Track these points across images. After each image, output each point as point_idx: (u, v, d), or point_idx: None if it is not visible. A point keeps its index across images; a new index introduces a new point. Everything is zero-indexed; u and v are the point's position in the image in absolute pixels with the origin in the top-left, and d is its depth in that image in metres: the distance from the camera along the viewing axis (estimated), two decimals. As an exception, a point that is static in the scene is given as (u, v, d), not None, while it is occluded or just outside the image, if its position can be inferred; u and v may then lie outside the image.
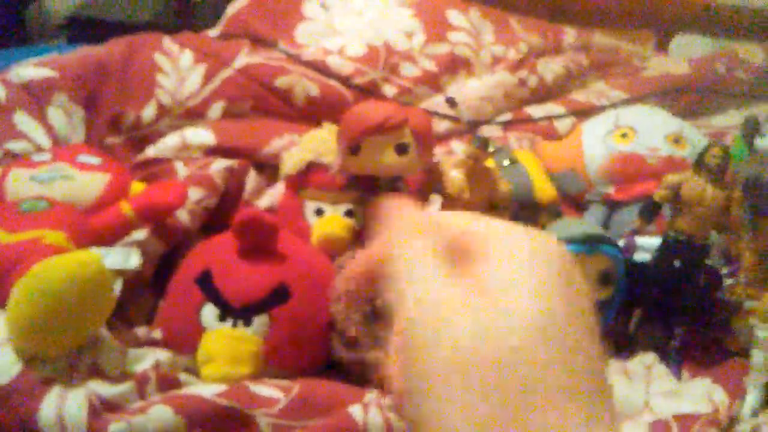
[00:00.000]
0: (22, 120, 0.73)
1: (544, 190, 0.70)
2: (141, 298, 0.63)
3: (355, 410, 0.51)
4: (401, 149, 0.61)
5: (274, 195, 0.76)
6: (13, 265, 0.51)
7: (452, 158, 0.66)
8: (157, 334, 0.59)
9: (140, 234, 0.62)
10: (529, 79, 1.03)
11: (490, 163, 0.68)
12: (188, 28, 0.93)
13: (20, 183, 0.61)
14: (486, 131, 0.94)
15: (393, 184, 0.65)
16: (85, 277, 0.44)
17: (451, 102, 0.90)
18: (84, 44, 0.85)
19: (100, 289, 0.46)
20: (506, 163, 0.72)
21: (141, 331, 0.59)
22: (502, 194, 0.65)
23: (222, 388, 0.50)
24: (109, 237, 0.60)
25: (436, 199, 0.73)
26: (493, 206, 0.65)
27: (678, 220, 0.61)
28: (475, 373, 0.23)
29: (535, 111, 1.00)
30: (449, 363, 0.23)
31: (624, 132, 0.85)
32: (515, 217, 0.67)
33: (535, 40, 1.10)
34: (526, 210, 0.69)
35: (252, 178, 0.77)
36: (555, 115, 0.98)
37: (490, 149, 0.69)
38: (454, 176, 0.64)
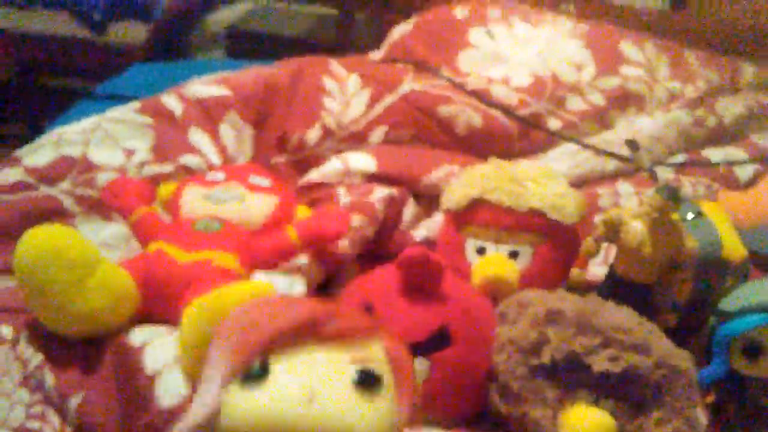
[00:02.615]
0: (197, 136, 0.75)
1: (735, 248, 0.63)
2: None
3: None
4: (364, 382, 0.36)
5: (431, 226, 0.74)
6: (186, 284, 0.51)
7: (634, 208, 0.61)
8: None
9: (302, 259, 0.61)
10: (707, 119, 0.95)
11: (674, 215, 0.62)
12: (347, 46, 0.93)
13: (195, 200, 0.62)
14: (658, 174, 0.87)
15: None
16: None
17: (633, 145, 0.84)
18: (242, 57, 0.87)
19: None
20: (691, 216, 0.65)
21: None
22: (686, 251, 0.59)
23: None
24: (272, 261, 0.60)
25: (607, 249, 0.68)
26: (674, 264, 0.59)
27: None
28: None
29: (713, 154, 0.92)
30: None
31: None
32: (699, 277, 0.60)
33: (714, 77, 1.02)
34: (712, 270, 0.62)
35: (410, 207, 0.75)
36: (737, 160, 0.89)
37: (684, 202, 0.63)
38: (636, 228, 0.58)
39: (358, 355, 0.36)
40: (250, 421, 0.33)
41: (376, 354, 0.38)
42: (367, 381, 0.35)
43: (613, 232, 0.60)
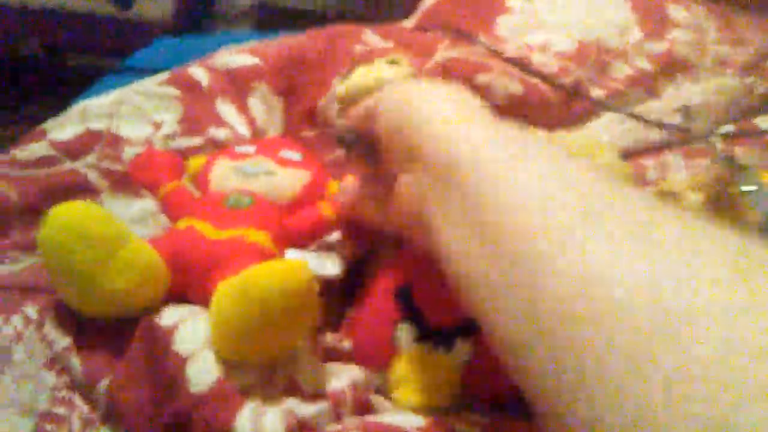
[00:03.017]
0: (225, 108, 0.72)
1: (798, 222, 0.59)
2: (330, 301, 0.60)
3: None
4: None
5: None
6: (217, 263, 0.49)
7: (691, 178, 0.57)
8: (347, 343, 0.55)
9: (335, 236, 0.59)
10: (758, 86, 0.90)
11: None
12: (378, 19, 0.89)
13: (224, 174, 0.59)
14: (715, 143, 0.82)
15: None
16: (294, 289, 0.41)
17: (687, 113, 0.79)
18: (269, 31, 0.84)
19: (309, 300, 0.42)
20: (751, 187, 0.61)
21: (329, 337, 0.56)
22: (748, 224, 0.55)
23: (422, 421, 0.45)
24: (305, 237, 0.57)
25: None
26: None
27: None
28: None
29: (765, 122, 0.86)
30: None
31: None
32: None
33: (765, 42, 0.96)
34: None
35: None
36: (793, 129, 0.84)
37: (742, 172, 0.59)
38: (694, 201, 0.55)
39: None
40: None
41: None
42: None
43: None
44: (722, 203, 0.54)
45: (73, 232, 0.44)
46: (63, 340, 0.46)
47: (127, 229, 0.48)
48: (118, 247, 0.46)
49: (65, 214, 0.45)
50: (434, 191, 0.40)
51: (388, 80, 0.64)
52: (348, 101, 0.65)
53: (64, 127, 0.68)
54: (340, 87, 0.65)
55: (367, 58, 0.70)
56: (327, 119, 0.69)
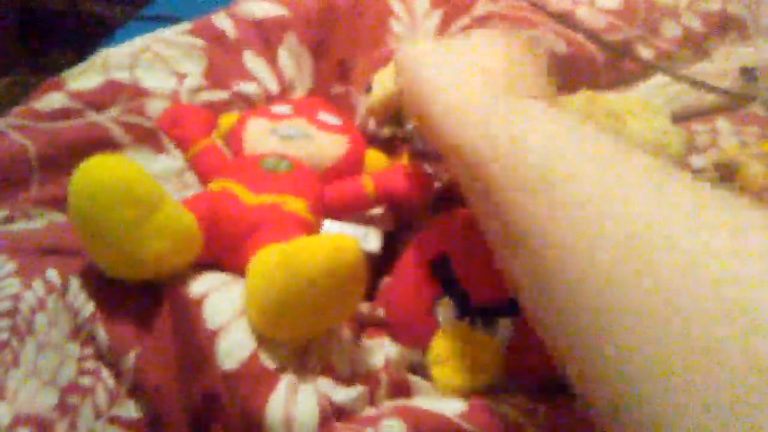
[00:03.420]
0: (252, 61, 0.68)
1: None
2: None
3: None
4: None
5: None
6: (253, 228, 0.46)
7: (753, 146, 0.53)
8: (381, 312, 0.53)
9: (377, 210, 0.56)
10: (816, 49, 0.84)
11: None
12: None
13: (260, 135, 0.56)
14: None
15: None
16: (343, 267, 0.38)
17: (749, 74, 0.74)
18: None
19: (356, 278, 0.39)
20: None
21: (364, 307, 0.53)
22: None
23: (464, 407, 0.42)
24: (344, 210, 0.54)
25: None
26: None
27: None
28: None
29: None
30: None
31: None
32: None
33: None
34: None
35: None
36: None
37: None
38: (758, 170, 0.51)
39: None
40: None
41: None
42: None
43: (728, 174, 0.53)
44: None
45: (111, 189, 0.40)
46: (87, 307, 0.43)
47: (163, 190, 0.44)
48: (156, 209, 0.42)
49: (102, 168, 0.41)
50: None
51: None
52: (381, 113, 0.63)
53: (85, 77, 0.64)
54: (369, 102, 0.63)
55: (380, 62, 0.66)
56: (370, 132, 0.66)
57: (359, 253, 0.39)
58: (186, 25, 0.71)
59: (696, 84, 0.74)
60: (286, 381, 0.40)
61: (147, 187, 0.42)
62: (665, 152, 0.55)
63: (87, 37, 1.21)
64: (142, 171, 0.43)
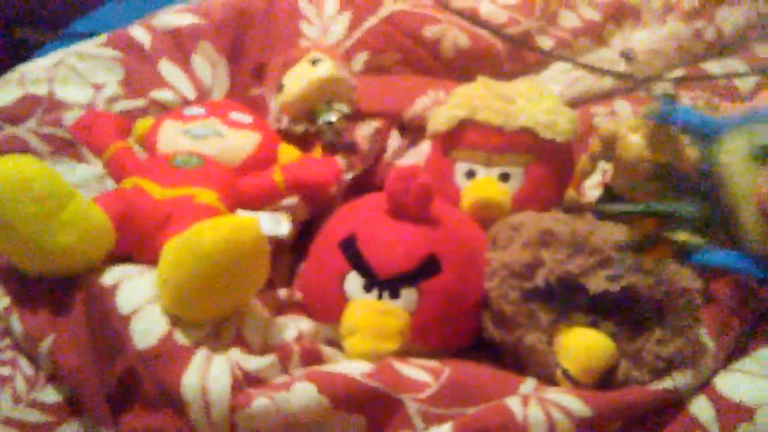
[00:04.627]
0: (168, 69, 0.71)
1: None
2: (281, 258, 0.60)
3: (514, 403, 0.45)
4: None
5: (418, 155, 0.71)
6: (164, 221, 0.48)
7: (629, 121, 0.57)
8: (298, 296, 0.56)
9: (290, 200, 0.59)
10: (706, 31, 0.90)
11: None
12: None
13: (173, 136, 0.59)
14: (657, 89, 0.83)
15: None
16: (243, 244, 0.41)
17: (628, 56, 0.79)
18: None
19: (257, 256, 0.42)
20: (690, 126, 0.62)
21: (282, 292, 0.56)
22: (687, 161, 0.56)
23: (369, 367, 0.45)
24: (256, 202, 0.57)
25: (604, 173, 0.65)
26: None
27: None
28: None
29: (713, 67, 0.88)
30: None
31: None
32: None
33: (712, -14, 0.96)
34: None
35: (395, 139, 0.72)
36: (738, 72, 0.85)
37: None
38: (633, 141, 0.55)
39: None
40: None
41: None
42: None
43: (610, 148, 0.57)
44: (659, 141, 0.55)
45: (16, 185, 0.43)
46: (2, 300, 0.45)
47: (72, 187, 0.47)
48: (64, 204, 0.44)
49: (7, 167, 0.43)
50: None
51: (316, 79, 0.65)
52: (293, 110, 0.66)
53: (2, 92, 0.66)
54: (279, 100, 0.66)
55: (290, 62, 0.69)
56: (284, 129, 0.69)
57: (257, 229, 0.42)
58: (102, 38, 0.73)
59: (592, 69, 0.79)
60: (200, 354, 0.43)
61: (50, 183, 0.45)
62: (554, 130, 0.59)
63: (17, 60, 1.21)
64: (46, 168, 0.45)
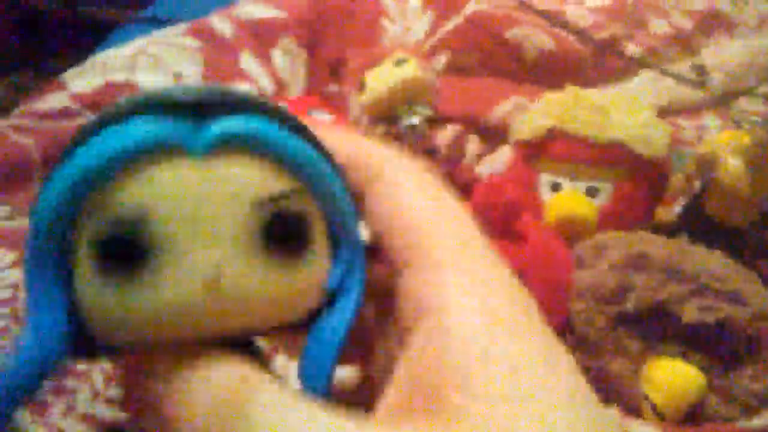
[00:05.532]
0: (248, 61, 0.70)
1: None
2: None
3: None
4: None
5: (495, 162, 0.69)
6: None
7: (731, 142, 0.54)
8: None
9: None
10: (802, 45, 0.86)
11: None
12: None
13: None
14: (743, 104, 0.79)
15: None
16: None
17: (700, 70, 0.76)
18: None
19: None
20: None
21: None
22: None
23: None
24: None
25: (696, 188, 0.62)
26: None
27: None
28: None
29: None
30: None
31: None
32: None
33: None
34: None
35: (472, 143, 0.70)
36: (838, 91, 0.80)
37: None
38: (734, 164, 0.52)
39: None
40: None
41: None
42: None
43: (707, 168, 0.54)
44: (762, 167, 0.52)
45: None
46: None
47: None
48: None
49: None
50: None
51: (401, 81, 0.64)
52: (375, 110, 0.65)
53: (83, 79, 0.66)
54: (362, 100, 0.65)
55: (373, 61, 0.68)
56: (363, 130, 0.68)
57: None
58: (183, 27, 0.73)
59: (684, 80, 0.76)
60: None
61: None
62: (648, 145, 0.57)
63: (85, 39, 1.23)
64: None
